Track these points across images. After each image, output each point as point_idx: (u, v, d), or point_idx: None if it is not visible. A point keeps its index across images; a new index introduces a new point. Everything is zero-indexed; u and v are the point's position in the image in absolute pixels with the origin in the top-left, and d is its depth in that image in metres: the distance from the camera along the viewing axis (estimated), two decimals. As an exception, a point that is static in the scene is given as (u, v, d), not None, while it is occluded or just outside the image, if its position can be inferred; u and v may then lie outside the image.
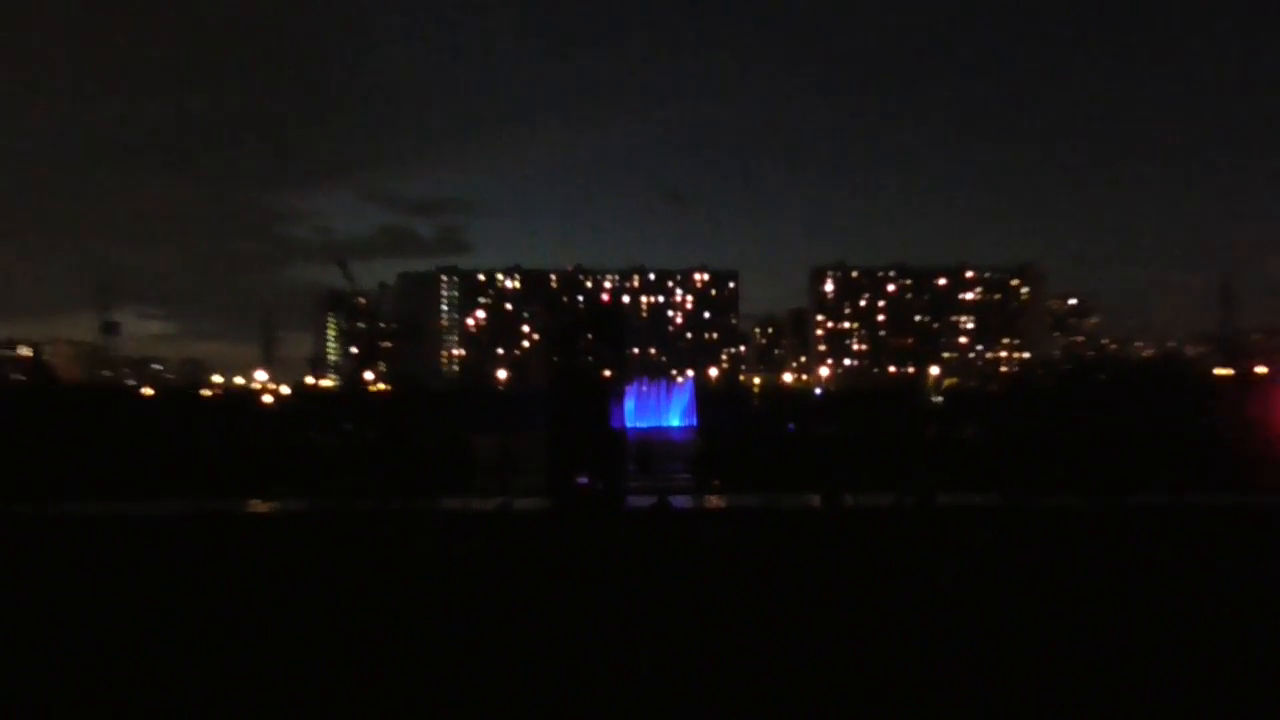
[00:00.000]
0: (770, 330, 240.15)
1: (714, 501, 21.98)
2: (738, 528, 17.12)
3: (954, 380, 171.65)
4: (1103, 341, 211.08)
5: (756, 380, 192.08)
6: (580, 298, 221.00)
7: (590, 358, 22.67)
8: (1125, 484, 20.23)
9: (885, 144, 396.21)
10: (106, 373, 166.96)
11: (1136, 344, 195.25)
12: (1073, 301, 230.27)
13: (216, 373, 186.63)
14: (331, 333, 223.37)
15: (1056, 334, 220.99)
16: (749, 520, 18.02)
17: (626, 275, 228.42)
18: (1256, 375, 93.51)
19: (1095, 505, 18.58)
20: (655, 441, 38.09)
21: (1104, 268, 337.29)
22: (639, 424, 73.21)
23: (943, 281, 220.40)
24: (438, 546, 15.28)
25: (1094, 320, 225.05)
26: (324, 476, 25.31)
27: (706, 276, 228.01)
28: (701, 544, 15.19)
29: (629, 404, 69.97)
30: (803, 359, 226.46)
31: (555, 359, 24.36)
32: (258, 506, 21.50)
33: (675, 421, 79.81)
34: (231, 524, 18.40)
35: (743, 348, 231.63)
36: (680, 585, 11.75)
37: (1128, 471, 21.82)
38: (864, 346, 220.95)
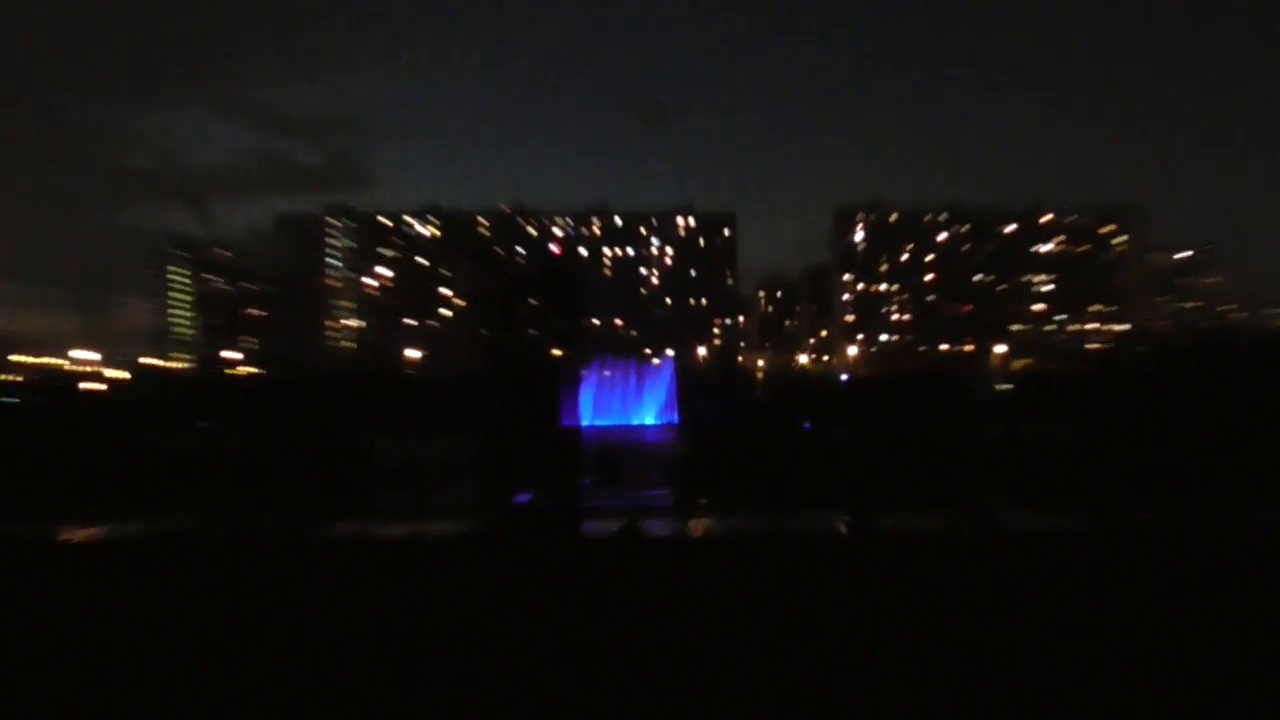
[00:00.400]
0: (779, 294, 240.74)
1: (702, 526, 21.84)
2: (735, 563, 16.93)
3: (1027, 361, 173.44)
4: (1224, 307, 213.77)
5: (761, 363, 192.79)
6: (521, 250, 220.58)
7: (534, 331, 22.52)
8: (1255, 498, 20.28)
9: (935, 53, 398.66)
10: None
11: (1269, 310, 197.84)
12: (1184, 254, 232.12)
13: (20, 351, 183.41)
14: (182, 297, 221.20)
15: (1163, 298, 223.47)
16: (750, 552, 17.84)
17: (584, 218, 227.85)
18: None
19: (1217, 527, 18.61)
20: (622, 445, 37.85)
21: (1226, 209, 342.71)
22: (600, 421, 73.11)
23: (1012, 228, 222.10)
24: (319, 592, 14.94)
25: (1213, 279, 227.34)
26: (167, 492, 24.91)
27: (693, 221, 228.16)
28: (685, 587, 14.99)
29: (587, 394, 69.82)
30: (823, 334, 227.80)
31: (486, 333, 24.10)
32: (72, 532, 21.06)
33: (649, 418, 79.76)
34: (31, 555, 17.97)
35: (741, 318, 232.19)
36: (655, 651, 11.51)
37: (1258, 481, 21.89)
38: (906, 316, 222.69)
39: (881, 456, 25.31)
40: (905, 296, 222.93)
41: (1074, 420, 35.31)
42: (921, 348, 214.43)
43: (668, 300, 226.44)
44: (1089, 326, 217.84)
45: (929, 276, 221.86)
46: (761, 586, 15.11)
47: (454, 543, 18.96)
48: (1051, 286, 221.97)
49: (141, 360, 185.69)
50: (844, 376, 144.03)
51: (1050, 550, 17.02)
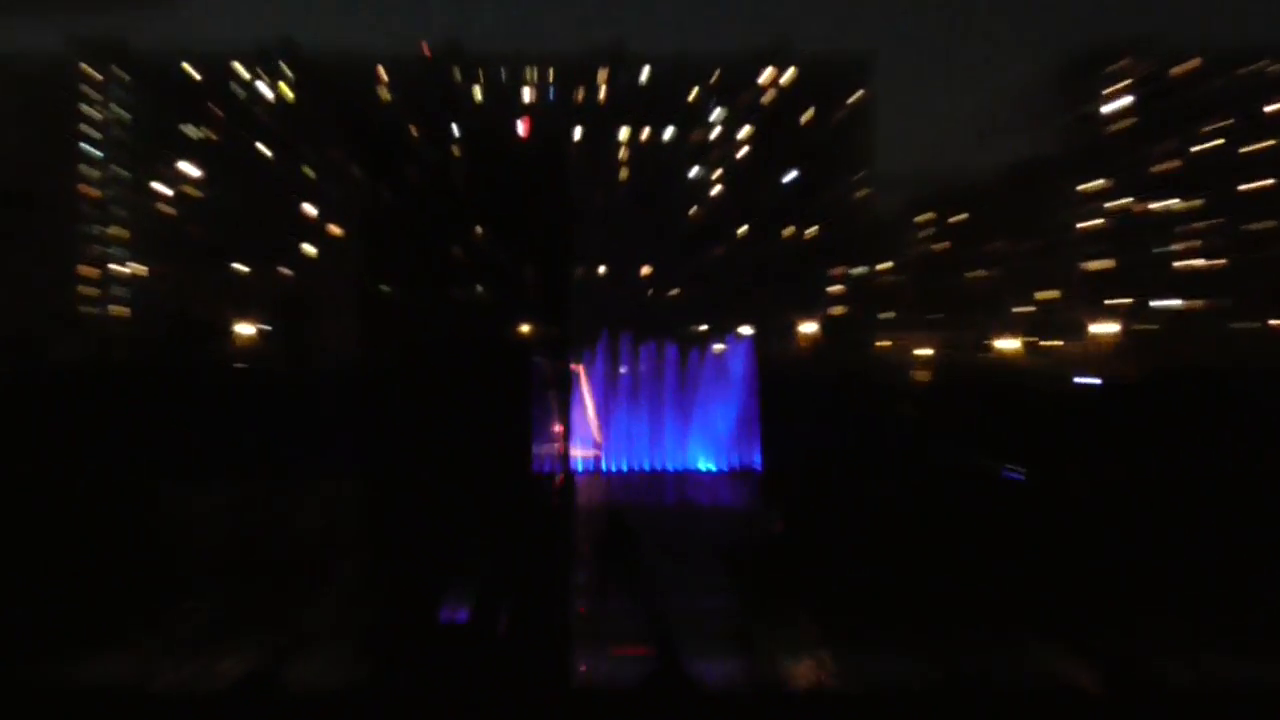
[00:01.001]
0: (955, 219, 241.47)
1: (811, 670, 22.06)
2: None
3: None
4: None
5: (922, 350, 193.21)
6: (455, 128, 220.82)
7: (481, 288, 22.74)
8: None
9: None
10: None
11: None
12: None
13: None
14: None
15: None
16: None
17: (580, 71, 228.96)
18: None
19: None
20: (650, 508, 38.25)
21: None
22: (608, 463, 73.47)
23: None
24: None
25: None
26: None
27: (787, 75, 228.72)
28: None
29: (584, 411, 70.21)
30: (1045, 295, 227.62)
31: (387, 290, 24.51)
32: None
33: (702, 459, 79.76)
34: None
35: (884, 265, 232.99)
36: None
37: None
38: (1211, 261, 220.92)
39: (1162, 534, 25.32)
40: (1210, 222, 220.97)
41: None
42: (1240, 323, 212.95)
43: (740, 230, 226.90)
44: None
45: (1256, 183, 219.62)
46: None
47: (310, 708, 18.84)
48: None
49: None
50: (1086, 380, 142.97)
51: None
